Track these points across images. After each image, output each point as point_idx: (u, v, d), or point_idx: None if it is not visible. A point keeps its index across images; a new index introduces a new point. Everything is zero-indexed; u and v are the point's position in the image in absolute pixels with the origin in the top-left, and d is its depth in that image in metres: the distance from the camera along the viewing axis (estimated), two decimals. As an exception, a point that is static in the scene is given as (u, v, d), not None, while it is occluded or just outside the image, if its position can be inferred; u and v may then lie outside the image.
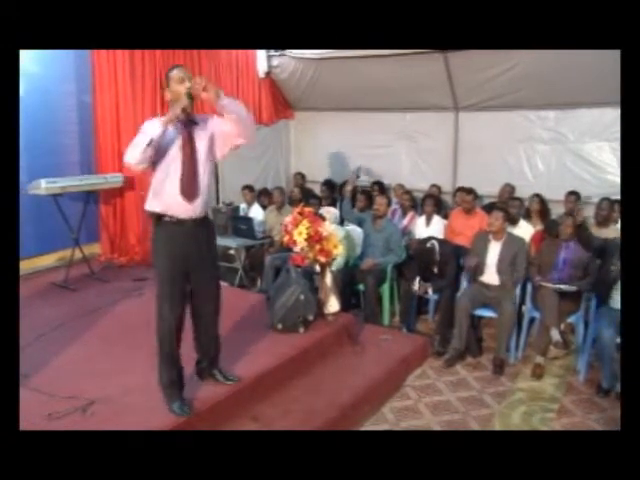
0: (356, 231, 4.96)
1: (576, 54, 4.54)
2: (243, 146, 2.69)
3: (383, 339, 3.98)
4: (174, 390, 2.69)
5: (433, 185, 6.01)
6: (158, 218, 2.61)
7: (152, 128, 2.44)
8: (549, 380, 3.75)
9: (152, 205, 2.61)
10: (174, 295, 2.60)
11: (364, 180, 6.55)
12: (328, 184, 6.24)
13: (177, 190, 2.54)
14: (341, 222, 5.28)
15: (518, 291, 4.04)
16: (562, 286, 3.81)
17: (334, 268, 4.34)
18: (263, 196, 6.08)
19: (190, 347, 2.87)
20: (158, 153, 2.51)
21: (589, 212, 4.86)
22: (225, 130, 2.60)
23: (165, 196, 2.56)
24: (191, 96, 2.49)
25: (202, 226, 2.68)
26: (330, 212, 4.45)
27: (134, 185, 5.40)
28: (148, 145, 2.39)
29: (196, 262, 2.65)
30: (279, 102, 7.28)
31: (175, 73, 2.56)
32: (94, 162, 5.42)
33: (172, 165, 2.55)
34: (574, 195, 5.07)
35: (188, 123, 2.58)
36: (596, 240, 4.10)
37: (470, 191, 5.09)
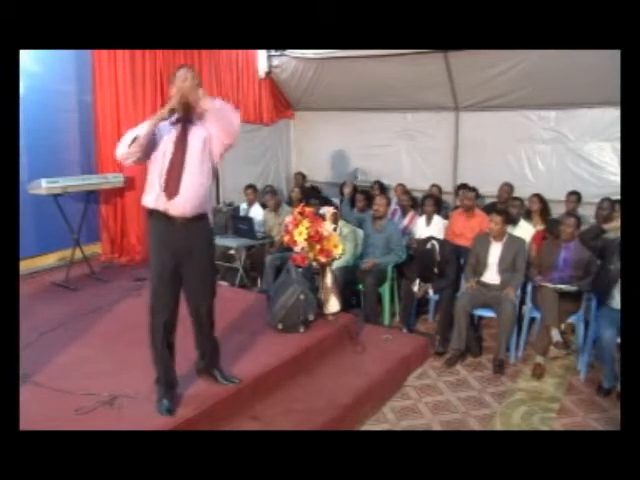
0: (356, 232, 4.95)
1: (577, 54, 4.54)
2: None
3: (385, 338, 3.98)
4: (161, 387, 2.71)
5: (433, 185, 6.02)
6: (150, 213, 2.64)
7: (141, 125, 2.51)
8: (549, 380, 3.75)
9: (145, 200, 2.64)
10: (163, 291, 2.63)
11: (364, 180, 6.57)
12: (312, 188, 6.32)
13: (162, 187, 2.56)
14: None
15: (518, 291, 4.04)
16: (562, 286, 3.81)
17: (340, 265, 4.34)
18: (269, 195, 6.07)
19: (189, 347, 2.88)
20: (152, 149, 2.57)
21: (589, 212, 4.86)
22: (213, 131, 2.63)
23: (155, 192, 2.57)
24: (184, 97, 2.52)
25: (194, 225, 2.64)
26: (330, 210, 4.43)
27: (135, 185, 5.40)
28: (132, 141, 2.46)
29: (187, 261, 2.64)
30: (279, 102, 7.29)
31: (179, 73, 2.59)
32: (94, 162, 5.43)
33: (163, 162, 2.57)
34: (575, 195, 5.06)
35: (186, 122, 2.61)
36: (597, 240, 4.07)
37: (472, 189, 5.10)
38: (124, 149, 2.49)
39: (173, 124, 2.60)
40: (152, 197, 2.58)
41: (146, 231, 2.72)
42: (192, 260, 2.65)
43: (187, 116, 2.61)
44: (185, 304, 2.76)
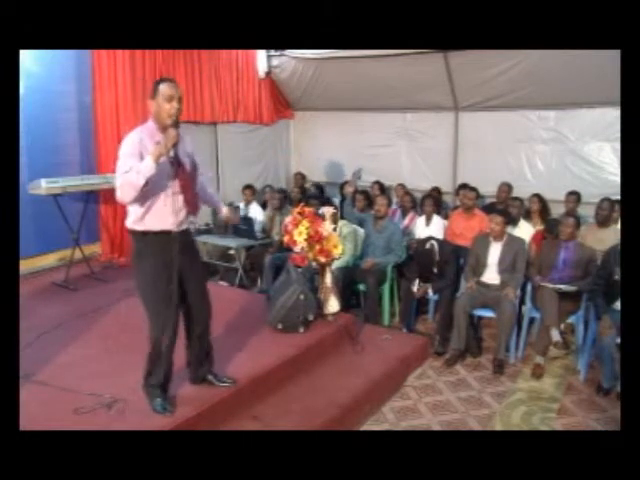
0: (357, 231, 4.95)
1: (576, 54, 4.54)
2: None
3: (384, 338, 3.98)
4: (156, 390, 2.70)
5: (433, 188, 6.01)
6: (145, 233, 2.59)
7: (145, 167, 2.37)
8: (549, 380, 3.75)
9: (148, 224, 2.56)
10: (169, 300, 2.62)
11: (364, 181, 6.56)
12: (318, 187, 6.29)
13: (175, 206, 2.55)
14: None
15: (518, 291, 4.04)
16: (562, 286, 3.81)
17: (340, 265, 4.34)
18: (269, 193, 6.07)
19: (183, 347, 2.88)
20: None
21: (589, 212, 4.85)
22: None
23: (160, 213, 2.54)
24: (177, 124, 2.48)
25: (187, 235, 2.70)
26: (330, 210, 4.42)
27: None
28: (145, 186, 2.38)
29: (186, 269, 2.67)
30: (279, 102, 7.29)
31: (165, 89, 2.49)
32: (94, 162, 5.42)
33: (164, 183, 2.51)
34: (574, 195, 5.07)
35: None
36: (589, 250, 4.04)
37: (473, 189, 5.11)
38: (134, 194, 2.39)
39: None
40: (158, 219, 2.55)
41: (137, 251, 2.66)
42: (191, 268, 2.71)
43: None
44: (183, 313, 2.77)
